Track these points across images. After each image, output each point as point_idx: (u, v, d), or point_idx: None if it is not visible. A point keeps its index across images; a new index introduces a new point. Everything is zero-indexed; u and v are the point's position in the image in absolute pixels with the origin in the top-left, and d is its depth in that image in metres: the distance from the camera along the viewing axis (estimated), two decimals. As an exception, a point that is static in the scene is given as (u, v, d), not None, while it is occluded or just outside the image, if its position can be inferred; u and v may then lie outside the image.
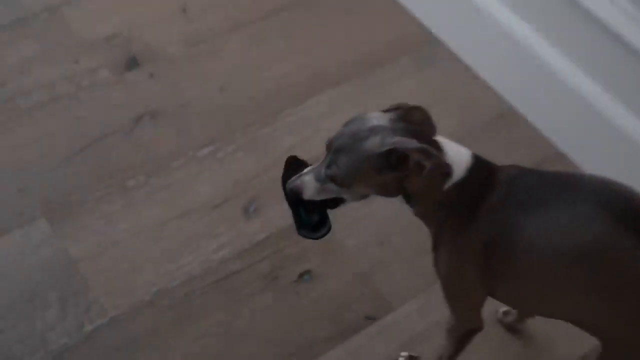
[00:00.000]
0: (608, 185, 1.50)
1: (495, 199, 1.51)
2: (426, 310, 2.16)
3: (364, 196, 1.53)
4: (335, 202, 1.58)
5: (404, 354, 2.06)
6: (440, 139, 1.51)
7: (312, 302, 2.16)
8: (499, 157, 2.51)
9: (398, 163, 1.43)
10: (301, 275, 2.20)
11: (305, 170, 1.54)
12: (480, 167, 1.52)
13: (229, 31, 2.75)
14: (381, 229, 2.31)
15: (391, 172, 1.45)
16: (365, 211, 2.34)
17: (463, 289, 1.62)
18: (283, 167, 1.69)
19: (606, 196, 1.47)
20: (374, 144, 1.43)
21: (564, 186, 1.51)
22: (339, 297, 2.17)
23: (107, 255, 2.21)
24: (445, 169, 1.42)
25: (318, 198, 1.54)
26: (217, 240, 2.27)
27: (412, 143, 1.41)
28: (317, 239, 1.58)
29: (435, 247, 1.60)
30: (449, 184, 1.50)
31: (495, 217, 1.51)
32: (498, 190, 1.51)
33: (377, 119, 1.47)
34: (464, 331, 1.76)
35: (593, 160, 2.43)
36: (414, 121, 1.48)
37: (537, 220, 1.50)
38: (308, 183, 1.52)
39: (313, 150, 2.49)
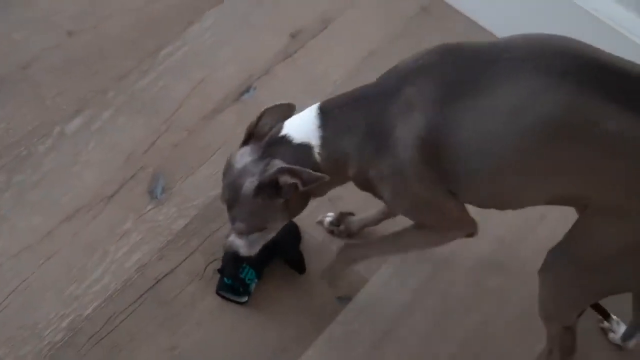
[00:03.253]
0: (540, 45, 1.48)
1: (404, 110, 1.54)
2: (404, 273, 2.04)
3: (289, 217, 1.75)
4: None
5: (330, 214, 2.02)
6: (288, 122, 1.66)
7: (268, 294, 1.97)
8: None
9: (277, 189, 1.64)
10: (246, 263, 2.00)
11: (227, 233, 1.82)
12: (341, 108, 1.62)
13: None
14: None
15: (280, 197, 1.65)
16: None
17: (434, 203, 1.64)
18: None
19: (546, 59, 1.46)
20: (247, 188, 1.64)
21: (487, 62, 1.49)
22: (298, 282, 2.00)
23: (-13, 293, 1.91)
24: (312, 177, 1.59)
25: (255, 250, 1.79)
26: (126, 241, 2.01)
27: (269, 172, 1.61)
28: (238, 302, 1.94)
29: (383, 197, 1.67)
30: (323, 159, 1.63)
31: (421, 125, 1.52)
32: (404, 101, 1.54)
33: (240, 157, 1.67)
34: (460, 236, 1.76)
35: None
36: (267, 132, 1.68)
37: (481, 105, 1.48)
38: (236, 242, 1.78)
39: (213, 96, 2.24)
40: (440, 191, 1.62)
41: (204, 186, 2.10)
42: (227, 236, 1.81)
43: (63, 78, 2.21)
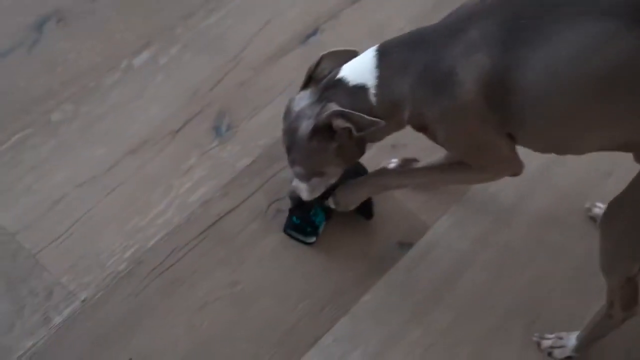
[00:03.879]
0: None
1: (466, 52, 1.52)
2: (465, 223, 2.04)
3: (345, 163, 1.74)
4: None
5: (394, 160, 2.01)
6: (346, 65, 1.66)
7: (330, 236, 1.98)
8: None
9: (331, 133, 1.65)
10: (308, 204, 2.01)
11: (292, 177, 1.82)
12: (404, 46, 1.60)
13: None
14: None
15: (333, 141, 1.67)
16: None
17: (489, 145, 1.65)
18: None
19: (615, 1, 1.42)
20: (303, 131, 1.66)
21: (554, 4, 1.46)
22: (361, 226, 2.01)
23: (52, 220, 1.94)
24: (366, 121, 1.59)
25: (317, 194, 1.82)
26: (190, 176, 2.03)
27: (323, 115, 1.62)
28: (306, 243, 1.95)
29: (437, 137, 1.66)
30: (379, 100, 1.62)
31: (484, 67, 1.51)
32: (467, 42, 1.52)
33: (299, 101, 1.69)
34: (506, 175, 1.76)
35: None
36: (326, 75, 1.68)
37: (547, 49, 1.46)
38: (298, 187, 1.81)
39: (279, 38, 2.25)
40: (497, 134, 1.62)
41: (268, 126, 2.11)
42: (292, 180, 1.83)
43: (131, 12, 2.22)
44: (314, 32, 2.27)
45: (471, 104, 1.55)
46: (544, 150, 1.67)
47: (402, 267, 1.97)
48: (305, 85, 1.72)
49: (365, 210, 1.97)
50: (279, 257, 1.95)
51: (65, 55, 2.13)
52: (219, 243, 1.95)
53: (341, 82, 1.65)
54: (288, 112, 1.72)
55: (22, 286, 1.84)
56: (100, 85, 2.11)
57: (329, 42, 2.25)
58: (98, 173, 2.01)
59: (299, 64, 2.21)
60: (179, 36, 2.20)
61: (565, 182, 2.10)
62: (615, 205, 1.63)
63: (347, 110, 1.61)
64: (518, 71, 1.50)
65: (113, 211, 1.97)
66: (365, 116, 1.60)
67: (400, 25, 2.32)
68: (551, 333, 1.91)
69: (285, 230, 1.96)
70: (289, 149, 1.73)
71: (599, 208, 2.00)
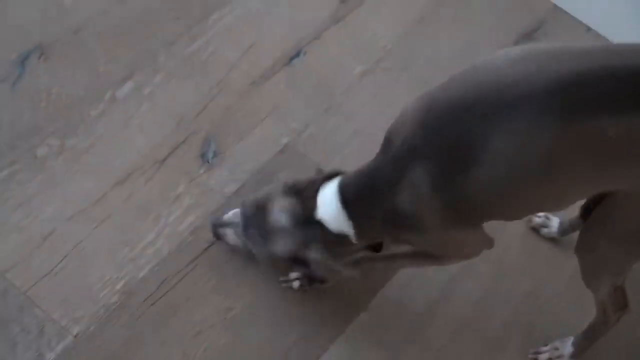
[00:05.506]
0: (507, 90, 1.44)
1: (414, 195, 1.58)
2: (458, 237, 2.02)
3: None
4: None
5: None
6: (322, 206, 1.71)
7: (322, 257, 1.96)
8: (487, 24, 2.33)
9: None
10: (298, 227, 2.00)
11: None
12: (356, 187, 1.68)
13: None
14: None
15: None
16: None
17: (462, 240, 1.70)
18: None
19: (520, 106, 1.43)
20: (282, 247, 1.76)
21: (465, 122, 1.48)
22: (352, 244, 1.99)
23: (42, 256, 1.92)
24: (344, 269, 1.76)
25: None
26: (179, 204, 2.02)
27: (311, 258, 1.74)
28: None
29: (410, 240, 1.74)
30: (360, 240, 1.73)
31: (434, 203, 1.57)
32: (411, 187, 1.58)
33: (280, 210, 1.75)
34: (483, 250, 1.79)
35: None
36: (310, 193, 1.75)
37: (482, 169, 1.49)
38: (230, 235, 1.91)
39: (263, 61, 2.24)
40: (469, 232, 1.67)
41: (254, 151, 2.10)
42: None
43: (113, 43, 2.22)
44: (298, 54, 2.26)
45: (437, 232, 1.62)
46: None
47: (395, 285, 1.96)
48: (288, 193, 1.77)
49: None
50: (271, 281, 1.94)
51: (49, 90, 2.12)
52: (210, 270, 1.94)
53: (323, 226, 1.72)
54: (265, 212, 1.77)
55: (14, 324, 1.82)
56: (84, 118, 2.10)
57: (313, 63, 2.25)
58: (86, 206, 1.99)
59: (284, 87, 2.20)
60: (163, 64, 2.19)
61: (555, 192, 2.08)
62: (588, 232, 1.66)
63: (329, 263, 1.74)
64: (464, 192, 1.53)
65: (103, 243, 1.95)
66: (345, 267, 1.77)
67: (383, 44, 2.31)
68: (548, 344, 1.88)
69: None
70: (252, 228, 1.79)
71: (539, 217, 2.05)
